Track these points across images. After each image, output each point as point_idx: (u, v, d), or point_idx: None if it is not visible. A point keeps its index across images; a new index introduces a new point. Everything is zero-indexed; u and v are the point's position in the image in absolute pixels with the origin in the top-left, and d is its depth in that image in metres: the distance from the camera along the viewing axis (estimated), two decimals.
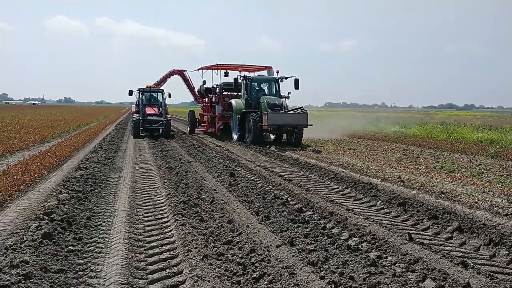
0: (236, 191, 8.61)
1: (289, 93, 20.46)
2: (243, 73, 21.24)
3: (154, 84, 26.58)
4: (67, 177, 8.93)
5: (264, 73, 23.28)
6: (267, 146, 17.24)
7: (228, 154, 14.78)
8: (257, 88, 20.52)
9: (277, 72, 20.99)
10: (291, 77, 20.31)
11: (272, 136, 20.31)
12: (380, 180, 10.02)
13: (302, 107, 19.24)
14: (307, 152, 15.68)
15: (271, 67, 22.86)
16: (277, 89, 20.45)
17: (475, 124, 33.83)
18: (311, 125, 18.23)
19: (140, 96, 22.71)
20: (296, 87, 20.02)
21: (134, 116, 22.02)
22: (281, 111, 18.41)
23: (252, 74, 22.36)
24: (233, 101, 20.71)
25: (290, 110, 18.87)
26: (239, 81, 20.66)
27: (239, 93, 21.33)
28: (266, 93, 20.30)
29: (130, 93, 23.07)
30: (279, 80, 20.55)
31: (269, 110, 18.04)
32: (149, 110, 21.89)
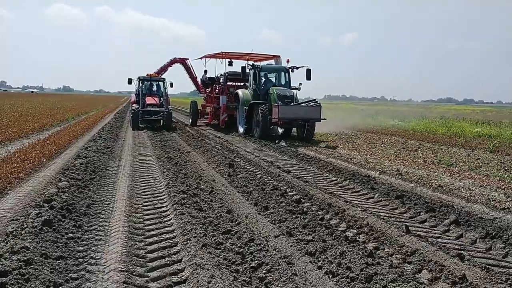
0: (235, 181, 8.65)
1: (300, 84, 18.97)
2: (251, 62, 19.87)
3: (154, 73, 25.31)
4: (66, 165, 8.96)
5: (272, 62, 22.07)
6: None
7: (227, 145, 14.80)
8: (265, 78, 19.13)
9: (288, 61, 19.52)
10: (302, 67, 18.98)
11: (280, 130, 18.92)
12: (378, 173, 10.07)
13: (315, 99, 18.01)
14: (308, 145, 15.54)
15: (279, 56, 21.70)
16: (287, 79, 19.06)
17: (474, 118, 33.86)
18: (325, 119, 17.14)
19: (140, 85, 21.50)
20: (308, 77, 18.68)
21: (133, 107, 20.63)
22: (292, 104, 17.08)
23: (258, 63, 20.83)
24: (239, 92, 19.36)
25: (302, 103, 17.56)
26: (247, 70, 19.32)
27: (245, 84, 20.24)
28: (276, 83, 18.92)
29: (130, 81, 21.86)
30: (290, 70, 19.16)
31: (280, 102, 16.70)
32: (149, 100, 20.67)
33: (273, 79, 19.32)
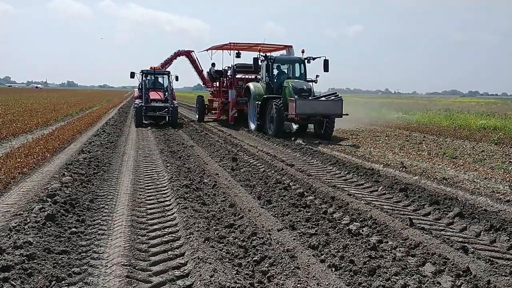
0: (238, 175, 8.63)
1: (317, 76, 17.36)
2: (262, 53, 18.31)
3: (159, 66, 23.97)
4: (70, 160, 8.98)
5: (283, 53, 20.69)
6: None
7: (231, 139, 14.79)
8: (279, 70, 17.57)
9: (303, 51, 17.75)
10: (319, 57, 17.34)
11: (294, 126, 17.59)
12: (382, 165, 10.03)
13: (335, 92, 16.56)
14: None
15: (291, 46, 20.40)
16: (302, 71, 17.49)
17: (478, 110, 33.66)
18: (347, 114, 15.61)
19: (143, 79, 20.09)
20: (326, 69, 17.06)
21: (136, 102, 19.14)
22: (310, 98, 15.59)
23: (270, 54, 18.87)
24: (251, 85, 17.79)
25: (321, 96, 16.08)
26: (259, 62, 17.66)
27: (254, 76, 19.25)
28: (290, 76, 17.42)
29: (132, 75, 20.38)
30: (306, 60, 17.55)
31: (296, 96, 15.20)
32: (153, 95, 19.40)
33: (287, 71, 17.95)
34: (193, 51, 27.61)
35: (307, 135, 16.20)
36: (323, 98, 15.87)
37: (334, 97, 15.76)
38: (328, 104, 15.37)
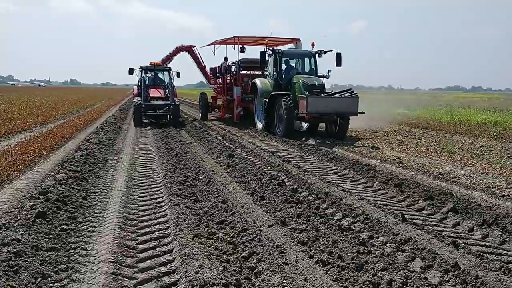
0: (234, 172, 8.62)
1: (329, 71, 16.14)
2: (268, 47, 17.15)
3: (159, 62, 22.61)
4: (66, 157, 8.98)
5: (291, 46, 19.53)
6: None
7: (230, 135, 14.76)
8: (287, 64, 16.45)
9: (313, 44, 16.59)
10: (330, 51, 16.21)
11: (304, 125, 16.41)
12: (379, 161, 9.99)
13: (350, 89, 15.17)
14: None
15: (299, 39, 19.30)
16: (312, 66, 16.37)
17: (480, 106, 33.48)
18: (363, 112, 14.40)
19: (143, 75, 19.08)
20: (338, 63, 15.99)
21: (135, 100, 18.19)
22: (322, 94, 14.49)
23: (278, 48, 17.57)
24: (257, 81, 16.70)
25: (335, 93, 14.78)
26: (267, 56, 16.65)
27: (263, 72, 18.08)
28: (300, 71, 16.32)
29: (131, 71, 19.29)
30: (316, 54, 16.43)
31: (307, 93, 14.09)
32: (153, 93, 18.33)
33: (296, 66, 16.81)
34: (195, 46, 26.80)
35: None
36: (337, 95, 14.62)
37: (349, 94, 14.49)
38: (343, 102, 14.20)
